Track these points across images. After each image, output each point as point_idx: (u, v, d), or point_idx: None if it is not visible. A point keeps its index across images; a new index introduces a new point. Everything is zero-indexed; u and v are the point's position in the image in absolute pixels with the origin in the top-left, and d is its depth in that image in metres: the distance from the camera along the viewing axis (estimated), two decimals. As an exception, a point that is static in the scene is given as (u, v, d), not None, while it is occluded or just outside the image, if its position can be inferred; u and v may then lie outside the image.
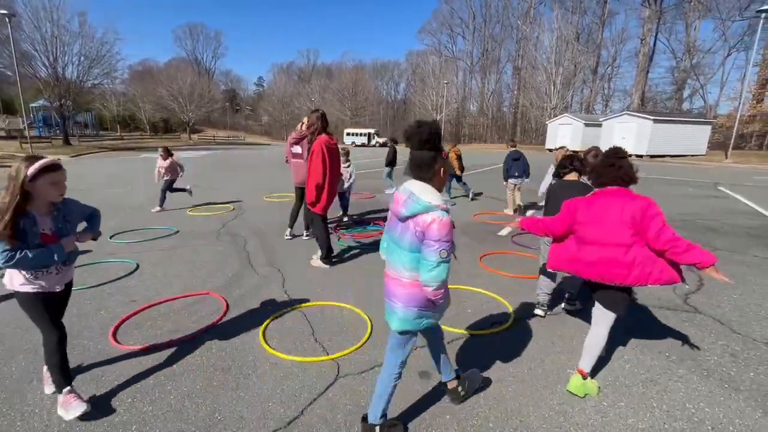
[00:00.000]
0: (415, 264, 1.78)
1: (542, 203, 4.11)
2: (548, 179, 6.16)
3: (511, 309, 3.47)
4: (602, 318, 2.41)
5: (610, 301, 2.38)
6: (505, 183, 7.79)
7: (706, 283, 4.21)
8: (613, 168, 2.35)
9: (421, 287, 1.78)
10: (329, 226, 6.42)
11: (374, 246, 5.39)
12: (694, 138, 29.42)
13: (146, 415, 2.13)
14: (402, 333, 1.94)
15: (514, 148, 7.77)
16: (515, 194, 7.75)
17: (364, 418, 2.03)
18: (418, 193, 1.76)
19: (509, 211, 7.79)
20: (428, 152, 1.81)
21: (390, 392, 1.99)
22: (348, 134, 50.47)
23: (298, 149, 5.38)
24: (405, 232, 1.79)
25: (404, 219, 1.79)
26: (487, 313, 3.43)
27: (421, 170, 1.83)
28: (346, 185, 6.59)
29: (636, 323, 3.27)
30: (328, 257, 4.62)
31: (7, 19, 19.01)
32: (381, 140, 47.22)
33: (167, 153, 7.58)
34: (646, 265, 2.25)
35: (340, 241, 5.56)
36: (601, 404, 2.28)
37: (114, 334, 2.94)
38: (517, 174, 7.55)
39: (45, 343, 2.12)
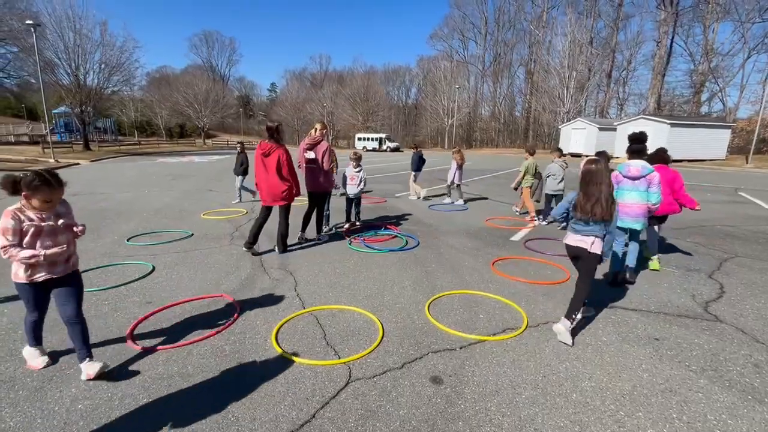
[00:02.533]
0: (646, 198, 3.99)
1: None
2: (453, 170, 9.10)
3: (524, 315, 3.42)
4: (655, 233, 4.76)
5: (662, 220, 4.75)
6: (413, 174, 10.25)
7: (727, 290, 4.10)
8: (658, 156, 4.70)
9: (649, 207, 4.01)
10: (340, 230, 6.48)
11: (385, 250, 5.39)
12: (714, 142, 28.74)
13: (161, 416, 2.16)
14: (641, 230, 4.13)
15: (417, 150, 10.44)
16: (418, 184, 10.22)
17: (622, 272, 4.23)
18: (645, 165, 4.01)
19: (414, 197, 9.94)
20: (644, 145, 4.15)
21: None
22: (359, 139, 50.75)
23: (311, 155, 5.43)
24: (642, 183, 3.99)
25: (639, 177, 3.98)
26: (500, 319, 3.40)
27: (641, 155, 4.12)
28: (356, 190, 6.59)
29: (654, 331, 3.20)
30: (250, 244, 5.12)
31: (32, 29, 19.72)
32: (392, 145, 47.33)
33: None
34: (673, 203, 4.56)
35: (352, 246, 5.57)
36: (617, 414, 2.23)
37: (131, 335, 3.00)
38: (418, 169, 10.25)
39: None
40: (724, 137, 29.64)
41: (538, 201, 8.07)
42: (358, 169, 6.60)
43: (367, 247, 5.54)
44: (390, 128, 66.09)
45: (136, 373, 2.55)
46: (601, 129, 32.66)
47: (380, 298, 3.81)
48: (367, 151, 45.22)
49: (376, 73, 73.57)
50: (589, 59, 44.57)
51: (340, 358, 2.75)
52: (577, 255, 3.12)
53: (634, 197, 4.03)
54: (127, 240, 5.74)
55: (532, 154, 7.76)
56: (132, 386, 2.41)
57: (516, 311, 3.53)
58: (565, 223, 4.24)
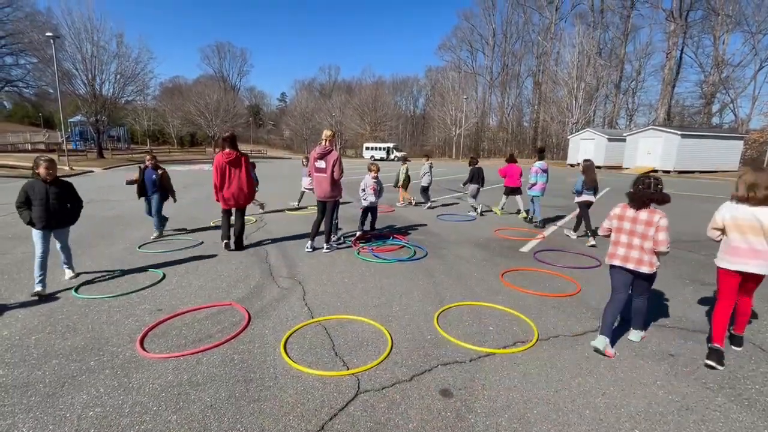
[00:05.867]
0: (545, 180, 8.07)
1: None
2: (304, 179, 9.38)
3: (535, 328, 3.38)
4: (514, 200, 9.22)
5: (517, 192, 8.96)
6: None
7: (743, 305, 4.00)
8: (510, 158, 8.97)
9: (543, 186, 8.17)
10: (349, 239, 6.49)
11: (394, 260, 5.38)
12: (726, 153, 28.35)
13: (171, 425, 2.16)
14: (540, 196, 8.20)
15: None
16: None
17: None
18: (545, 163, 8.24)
19: (258, 206, 9.06)
20: (544, 153, 8.32)
21: None
22: (367, 148, 51.05)
23: (322, 164, 5.47)
24: (546, 173, 8.05)
25: (546, 170, 8.03)
26: (510, 332, 3.35)
27: (542, 157, 8.25)
28: (373, 199, 6.62)
29: (669, 347, 3.13)
30: (227, 242, 5.80)
31: (51, 41, 20.37)
32: (399, 154, 47.52)
33: None
34: (517, 182, 8.86)
35: (360, 255, 5.58)
36: (633, 432, 2.17)
37: (141, 342, 3.02)
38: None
39: None
40: (737, 148, 29.23)
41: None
42: (375, 179, 6.62)
43: (376, 256, 5.53)
44: (398, 138, 66.45)
45: (147, 381, 2.56)
46: (610, 140, 32.45)
47: (389, 308, 3.80)
48: (375, 160, 45.45)
49: (384, 83, 74.28)
50: (598, 70, 44.48)
51: (348, 369, 2.73)
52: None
53: (543, 180, 7.80)
54: (139, 247, 5.82)
55: (404, 163, 10.64)
56: (142, 394, 2.42)
57: (526, 324, 3.49)
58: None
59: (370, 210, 6.70)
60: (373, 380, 2.62)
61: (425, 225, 7.90)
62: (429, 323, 3.47)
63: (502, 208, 9.28)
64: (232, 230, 5.85)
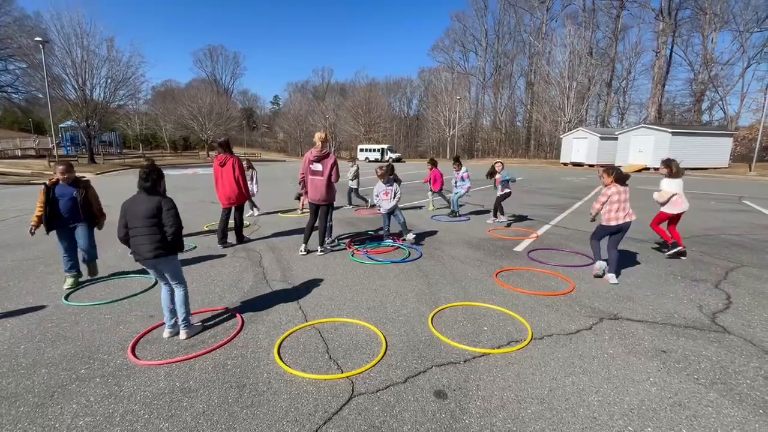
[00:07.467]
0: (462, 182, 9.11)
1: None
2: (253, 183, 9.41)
3: (528, 327, 3.39)
4: (445, 197, 9.91)
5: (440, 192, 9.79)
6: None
7: (735, 301, 4.04)
8: (432, 162, 9.86)
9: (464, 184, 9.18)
10: (343, 241, 6.48)
11: (388, 261, 5.37)
12: (716, 150, 28.71)
13: (162, 432, 2.14)
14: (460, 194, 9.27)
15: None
16: None
17: None
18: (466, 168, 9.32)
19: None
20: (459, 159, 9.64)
21: None
22: (362, 150, 51.04)
23: (318, 167, 5.46)
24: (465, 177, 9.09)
25: (466, 175, 9.11)
26: (505, 331, 3.36)
27: (458, 164, 9.16)
28: (391, 205, 6.31)
29: (661, 343, 3.15)
30: (222, 240, 6.21)
31: (41, 46, 20.19)
32: (394, 155, 47.57)
33: None
34: (438, 185, 9.58)
35: (354, 257, 5.56)
36: (626, 429, 2.18)
37: (132, 349, 2.98)
38: None
39: None
40: (726, 145, 29.60)
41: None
42: (389, 185, 6.36)
43: (370, 258, 5.52)
44: (392, 139, 66.55)
45: (138, 388, 2.53)
46: (602, 138, 32.71)
47: (383, 310, 3.79)
48: (369, 162, 45.46)
49: (378, 85, 74.41)
50: (589, 69, 44.88)
51: (342, 372, 2.72)
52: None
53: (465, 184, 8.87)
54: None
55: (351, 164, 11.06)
56: (133, 402, 2.39)
57: (520, 323, 3.50)
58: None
59: (391, 214, 6.43)
60: (367, 383, 2.60)
61: (419, 226, 7.90)
62: (423, 324, 3.47)
63: (434, 207, 10.17)
64: (232, 231, 6.23)
